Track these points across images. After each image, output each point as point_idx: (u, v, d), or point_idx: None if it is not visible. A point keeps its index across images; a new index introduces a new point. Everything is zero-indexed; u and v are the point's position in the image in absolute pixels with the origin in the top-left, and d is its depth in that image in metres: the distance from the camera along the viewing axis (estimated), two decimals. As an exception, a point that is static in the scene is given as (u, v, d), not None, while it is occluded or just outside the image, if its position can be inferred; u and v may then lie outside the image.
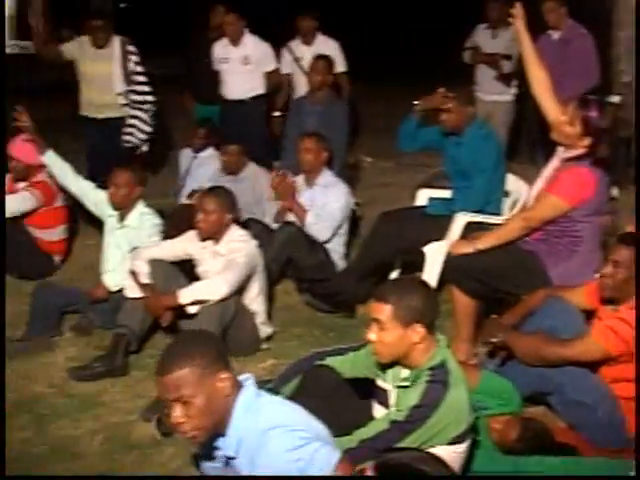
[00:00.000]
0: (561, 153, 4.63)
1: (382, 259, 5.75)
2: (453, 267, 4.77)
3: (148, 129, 7.28)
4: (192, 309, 4.66)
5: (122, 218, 5.43)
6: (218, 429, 2.80)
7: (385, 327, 3.23)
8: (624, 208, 5.61)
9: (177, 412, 2.71)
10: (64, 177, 5.84)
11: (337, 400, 3.45)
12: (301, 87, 7.86)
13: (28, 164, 6.07)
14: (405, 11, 20.03)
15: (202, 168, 7.10)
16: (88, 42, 7.33)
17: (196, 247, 5.03)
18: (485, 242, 4.67)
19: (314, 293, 5.76)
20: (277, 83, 8.17)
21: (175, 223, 5.76)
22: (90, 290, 5.34)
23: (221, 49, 7.95)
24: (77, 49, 7.40)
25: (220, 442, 2.85)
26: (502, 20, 7.23)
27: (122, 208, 5.40)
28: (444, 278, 5.10)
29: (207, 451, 2.96)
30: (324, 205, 5.81)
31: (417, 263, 5.56)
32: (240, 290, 4.81)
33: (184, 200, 6.95)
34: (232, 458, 2.83)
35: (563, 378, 3.86)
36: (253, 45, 7.91)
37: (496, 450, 3.69)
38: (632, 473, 3.36)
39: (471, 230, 5.23)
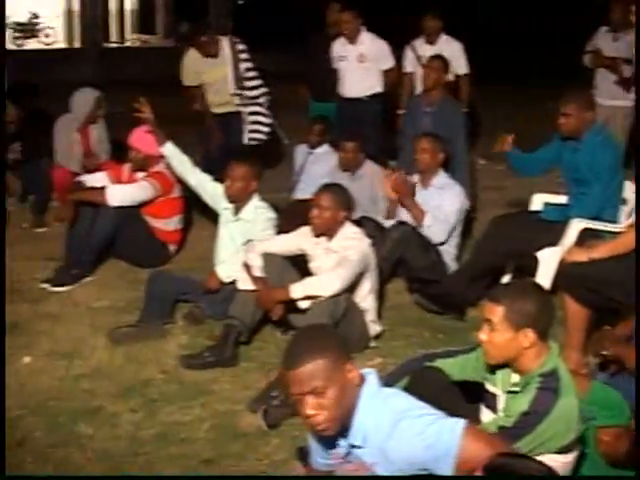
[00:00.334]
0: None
1: (494, 262, 5.68)
2: (566, 274, 4.67)
3: (270, 121, 7.41)
4: (303, 304, 4.69)
5: (237, 211, 5.50)
6: (344, 420, 2.82)
7: (496, 328, 3.20)
8: None
9: (310, 404, 2.73)
10: (182, 169, 5.95)
11: (445, 403, 3.41)
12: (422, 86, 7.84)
13: (147, 155, 6.20)
14: (527, 15, 19.82)
15: (317, 165, 7.14)
16: (199, 56, 7.46)
17: (309, 243, 5.06)
18: (600, 252, 4.55)
19: (424, 293, 5.73)
20: (394, 81, 8.15)
21: (289, 218, 5.81)
22: (203, 280, 5.42)
23: (339, 47, 8.00)
24: (196, 67, 7.53)
25: (340, 432, 2.86)
26: (624, 23, 7.05)
27: (238, 201, 5.47)
28: (556, 284, 5.00)
29: (325, 442, 2.98)
30: (438, 207, 5.77)
31: (529, 268, 5.48)
32: (351, 287, 4.81)
33: (298, 195, 7.02)
34: (358, 447, 2.85)
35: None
36: (369, 43, 7.93)
37: (603, 462, 3.60)
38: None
39: (586, 237, 5.13)
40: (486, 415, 3.48)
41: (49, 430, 4.21)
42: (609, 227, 5.24)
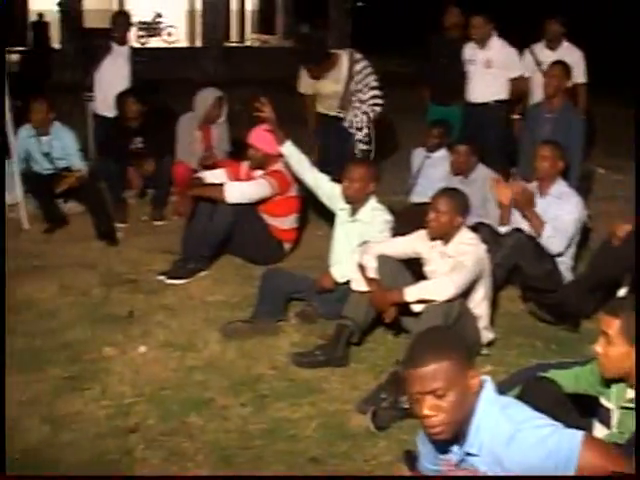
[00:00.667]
0: None
1: (611, 274, 5.53)
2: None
3: (372, 135, 7.43)
4: (416, 307, 4.67)
5: (354, 212, 5.51)
6: (459, 426, 2.80)
7: (612, 342, 3.12)
8: None
9: (429, 405, 2.72)
10: (300, 168, 5.99)
11: (557, 414, 3.34)
12: (539, 91, 7.71)
13: (266, 153, 6.26)
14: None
15: (434, 168, 7.11)
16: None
17: (425, 246, 5.03)
18: None
19: (539, 303, 5.64)
20: (521, 90, 8.04)
21: (405, 221, 5.78)
22: (317, 279, 5.44)
23: (469, 50, 7.95)
24: (310, 84, 7.61)
25: (454, 438, 2.85)
26: None
27: (355, 202, 5.48)
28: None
29: (438, 447, 2.97)
30: (557, 216, 5.66)
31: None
32: (465, 293, 4.76)
33: (415, 199, 6.99)
34: (473, 455, 2.83)
35: None
36: (498, 49, 7.84)
37: None
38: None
39: None
40: (599, 430, 3.40)
41: (161, 418, 4.29)
42: None
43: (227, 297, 5.85)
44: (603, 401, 3.39)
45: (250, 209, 6.21)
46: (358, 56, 7.47)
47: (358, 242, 5.33)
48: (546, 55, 7.93)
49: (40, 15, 20.13)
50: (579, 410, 3.62)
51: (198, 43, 22.67)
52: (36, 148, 7.44)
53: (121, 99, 7.86)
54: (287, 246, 6.49)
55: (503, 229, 5.88)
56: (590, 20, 19.26)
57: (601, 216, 7.03)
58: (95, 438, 4.11)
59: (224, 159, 7.54)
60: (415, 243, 5.07)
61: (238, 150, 7.39)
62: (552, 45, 8.03)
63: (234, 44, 24.94)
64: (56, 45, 19.65)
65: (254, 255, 6.39)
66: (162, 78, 9.76)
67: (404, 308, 4.77)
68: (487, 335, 5.05)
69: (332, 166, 6.45)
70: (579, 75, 7.85)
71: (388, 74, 7.73)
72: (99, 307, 5.70)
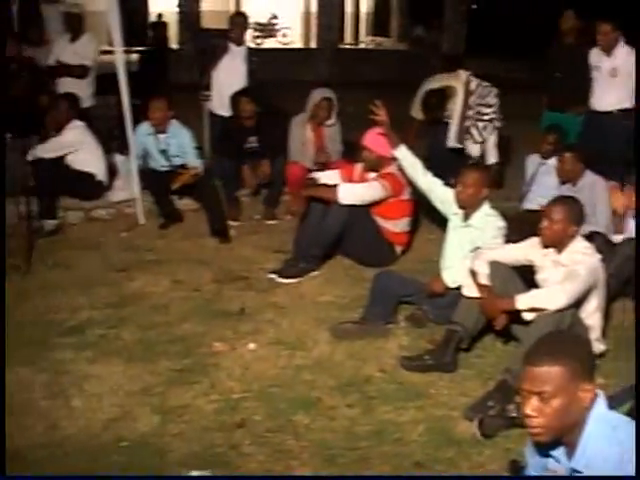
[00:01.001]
0: None
1: None
2: None
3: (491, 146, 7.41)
4: (528, 316, 4.60)
5: (466, 217, 5.46)
6: (563, 436, 2.75)
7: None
8: None
9: (532, 405, 2.69)
10: (413, 172, 5.96)
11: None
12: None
13: (380, 155, 6.26)
14: None
15: (548, 175, 6.97)
16: None
17: (537, 254, 4.95)
18: None
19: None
20: None
21: (518, 228, 5.70)
22: (428, 284, 5.41)
23: (594, 57, 7.76)
24: None
25: (559, 450, 2.80)
26: None
27: (468, 207, 5.43)
28: None
29: (545, 459, 2.92)
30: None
31: None
32: (578, 303, 4.66)
33: (528, 206, 6.89)
34: (578, 472, 2.77)
35: None
36: (624, 57, 7.62)
37: None
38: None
39: None
40: None
41: (268, 415, 4.33)
42: None
43: (337, 298, 5.88)
44: None
45: (363, 211, 6.22)
46: (473, 79, 7.46)
47: (470, 247, 5.28)
48: None
49: (159, 16, 20.51)
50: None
51: (313, 45, 22.80)
52: (154, 145, 7.61)
53: (236, 99, 7.96)
54: (399, 249, 6.48)
55: (617, 238, 5.75)
56: None
57: None
58: (202, 431, 4.18)
59: (338, 160, 7.59)
60: (528, 250, 4.98)
61: (352, 152, 7.41)
62: None
63: (348, 46, 24.97)
64: (174, 45, 20.02)
65: (365, 257, 6.40)
66: (276, 79, 9.85)
67: (515, 316, 4.70)
68: (598, 347, 4.93)
69: (443, 170, 6.41)
70: None
71: (501, 79, 7.63)
72: (211, 303, 5.81)
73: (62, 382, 4.66)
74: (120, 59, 7.49)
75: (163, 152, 7.60)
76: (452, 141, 7.71)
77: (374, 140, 6.27)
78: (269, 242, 7.09)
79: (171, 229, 7.53)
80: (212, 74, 8.59)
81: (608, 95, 7.66)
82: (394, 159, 6.14)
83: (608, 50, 7.62)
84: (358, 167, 6.52)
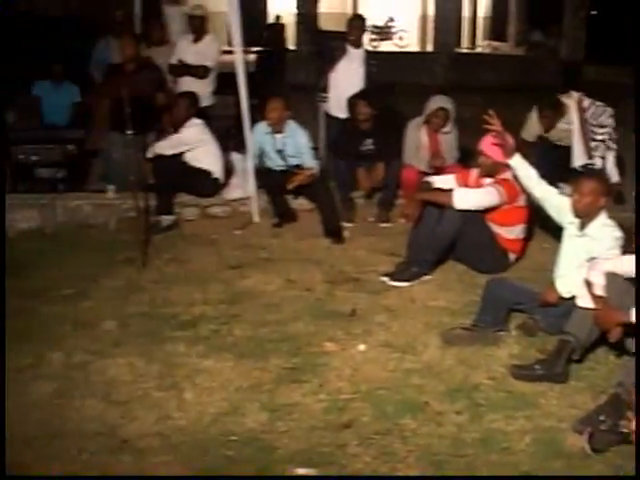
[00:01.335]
0: None
1: None
2: None
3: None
4: (643, 330, 4.50)
5: (582, 226, 5.35)
6: None
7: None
8: None
9: None
10: (528, 181, 5.86)
11: None
12: None
13: (496, 161, 6.19)
14: None
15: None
16: None
17: (656, 267, 4.83)
18: None
19: None
20: None
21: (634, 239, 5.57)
22: (541, 293, 5.31)
23: None
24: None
25: None
26: None
27: (584, 216, 5.32)
28: None
29: None
30: None
31: None
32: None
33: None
34: None
35: None
36: None
37: None
38: None
39: None
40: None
41: (375, 417, 4.34)
42: None
43: (449, 303, 5.85)
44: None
45: (477, 216, 6.16)
46: (585, 98, 7.33)
47: (586, 257, 5.17)
48: None
49: (277, 17, 20.76)
50: None
51: (429, 48, 22.72)
52: (270, 145, 7.70)
53: (353, 101, 7.99)
54: (512, 256, 6.40)
55: None
56: None
57: None
58: (310, 430, 4.22)
59: (453, 165, 7.55)
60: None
61: (468, 157, 7.37)
62: None
63: (465, 50, 24.80)
64: (291, 46, 20.23)
65: (478, 263, 6.35)
66: (393, 82, 9.84)
67: (629, 329, 4.60)
68: None
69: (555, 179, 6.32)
70: None
71: (621, 86, 7.45)
72: (322, 303, 5.86)
73: (174, 374, 4.78)
74: (239, 59, 7.61)
75: (279, 152, 7.69)
76: (578, 160, 7.54)
77: (491, 145, 6.21)
78: (382, 245, 7.09)
79: (285, 228, 7.62)
80: (330, 76, 8.64)
81: None
82: (509, 165, 6.07)
83: None
84: (474, 172, 6.46)
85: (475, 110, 6.88)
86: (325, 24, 20.36)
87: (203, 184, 7.92)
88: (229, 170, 8.21)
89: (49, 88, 9.96)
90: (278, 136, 7.67)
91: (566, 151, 7.55)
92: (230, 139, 8.75)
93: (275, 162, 7.77)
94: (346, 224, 7.57)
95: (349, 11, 25.08)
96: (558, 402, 4.56)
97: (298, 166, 7.62)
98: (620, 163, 7.78)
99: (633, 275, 4.86)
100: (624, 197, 7.78)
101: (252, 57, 14.90)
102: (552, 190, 5.75)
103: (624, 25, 24.10)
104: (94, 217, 7.79)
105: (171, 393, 4.57)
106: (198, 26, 8.93)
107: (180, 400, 4.49)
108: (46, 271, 6.44)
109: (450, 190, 6.20)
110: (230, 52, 7.89)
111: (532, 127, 7.73)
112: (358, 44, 8.68)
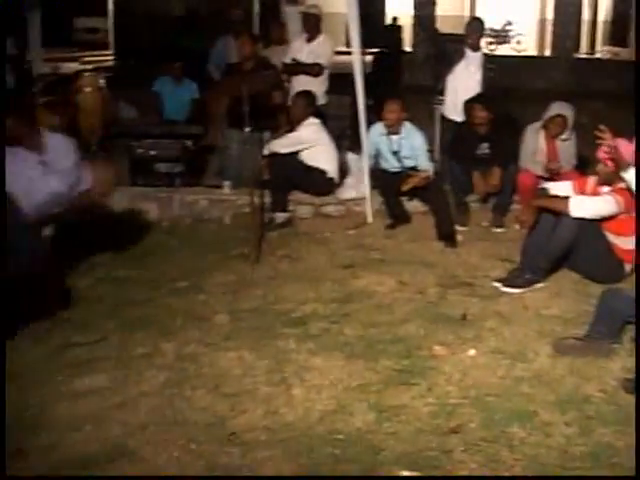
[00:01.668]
0: None
1: None
2: None
3: None
4: None
5: None
6: None
7: None
8: None
9: None
10: None
11: None
12: None
13: (614, 170, 6.07)
14: None
15: None
16: None
17: None
18: None
19: None
20: None
21: None
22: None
23: None
24: None
25: None
26: None
27: None
28: None
29: None
30: None
31: None
32: None
33: None
34: None
35: None
36: None
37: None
38: None
39: None
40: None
41: (483, 424, 4.29)
42: None
43: (562, 311, 5.74)
44: None
45: (594, 225, 6.04)
46: None
47: None
48: None
49: (394, 19, 20.74)
50: None
51: (547, 53, 22.38)
52: (386, 146, 7.71)
53: (470, 105, 7.95)
54: (628, 267, 6.24)
55: None
56: None
57: None
58: (417, 433, 4.19)
59: (571, 171, 7.43)
60: None
61: (585, 164, 7.23)
62: None
63: (584, 56, 24.34)
64: (408, 48, 20.20)
65: (593, 272, 6.22)
66: (510, 86, 9.75)
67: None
68: None
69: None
70: None
71: None
72: (434, 306, 5.84)
73: (284, 370, 4.82)
74: (357, 60, 7.64)
75: (395, 153, 7.70)
76: None
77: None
78: (496, 250, 7.04)
79: (398, 230, 7.63)
80: (447, 79, 8.61)
81: None
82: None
83: None
84: (591, 180, 6.34)
85: (594, 117, 6.77)
86: (442, 26, 20.25)
87: (318, 183, 7.98)
88: (344, 170, 8.26)
89: (169, 85, 10.18)
90: (394, 137, 7.67)
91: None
92: (345, 139, 8.81)
93: (390, 163, 7.78)
94: (460, 228, 7.55)
95: (466, 14, 24.91)
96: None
97: (413, 168, 7.61)
98: None
99: None
100: None
101: (369, 58, 14.92)
102: None
103: None
104: (209, 212, 7.94)
105: (280, 388, 4.61)
106: (312, 25, 9.00)
107: (288, 396, 4.53)
108: (162, 263, 6.60)
109: (567, 197, 6.10)
110: (348, 53, 7.93)
111: None
112: (476, 47, 8.63)
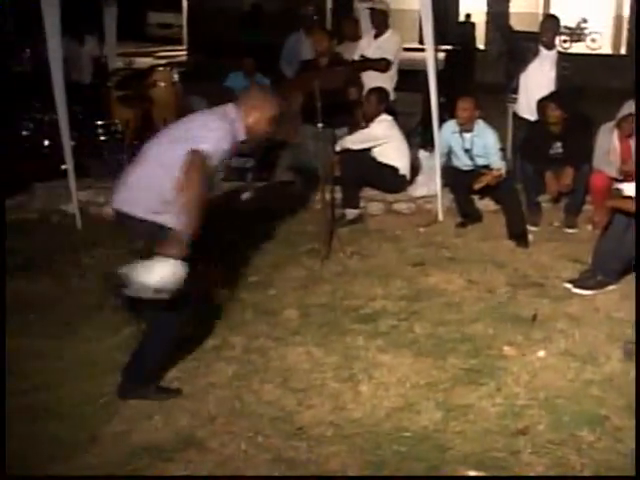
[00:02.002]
0: None
1: None
2: None
3: None
4: None
5: None
6: None
7: None
8: None
9: None
10: None
11: None
12: None
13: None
14: None
15: None
16: None
17: None
18: None
19: None
20: None
21: None
22: None
23: None
24: None
25: None
26: None
27: None
28: None
29: None
30: None
31: None
32: None
33: None
34: None
35: None
36: None
37: None
38: None
39: None
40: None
41: (551, 426, 4.25)
42: None
43: (633, 314, 5.61)
44: None
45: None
46: None
47: None
48: None
49: (467, 15, 20.64)
50: None
51: (623, 51, 22.02)
52: (459, 144, 7.67)
53: (543, 104, 7.86)
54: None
55: None
56: None
57: None
58: (484, 433, 4.18)
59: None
60: None
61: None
62: None
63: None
64: (481, 45, 20.07)
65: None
66: (584, 85, 9.61)
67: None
68: None
69: None
70: None
71: None
72: (503, 306, 5.81)
73: (352, 366, 4.84)
74: (431, 57, 7.61)
75: (467, 151, 7.65)
76: None
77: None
78: (567, 250, 6.97)
79: (469, 228, 7.60)
80: (520, 77, 8.53)
81: None
82: None
83: None
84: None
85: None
86: (515, 24, 20.06)
87: (390, 180, 7.97)
88: (415, 167, 8.24)
89: (241, 80, 10.23)
90: (466, 135, 7.62)
91: None
92: (416, 136, 8.78)
93: (462, 161, 7.74)
94: (531, 227, 7.49)
95: (540, 11, 24.62)
96: None
97: (485, 166, 7.55)
98: None
99: None
100: None
101: (441, 55, 14.88)
102: None
103: None
104: (280, 207, 7.98)
105: (347, 385, 4.63)
106: (380, 21, 8.97)
107: (356, 392, 4.55)
108: (233, 257, 6.65)
109: (640, 198, 6.01)
110: (420, 50, 7.90)
111: None
112: (551, 45, 8.52)
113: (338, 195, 7.57)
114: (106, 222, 7.58)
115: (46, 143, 8.44)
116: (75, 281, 6.21)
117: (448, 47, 15.88)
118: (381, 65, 8.73)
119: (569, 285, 6.10)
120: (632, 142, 7.50)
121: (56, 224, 7.72)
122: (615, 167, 7.45)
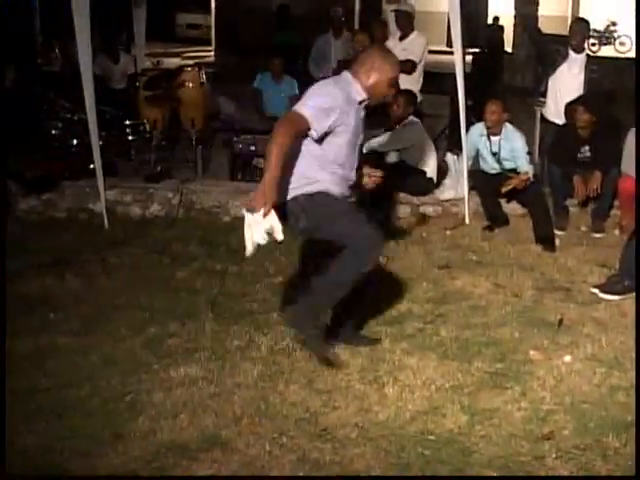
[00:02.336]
0: None
1: None
2: None
3: None
4: None
5: None
6: None
7: None
8: None
9: None
10: None
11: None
12: None
13: None
14: None
15: None
16: None
17: None
18: None
19: None
20: None
21: None
22: None
23: None
24: None
25: None
26: None
27: None
28: None
29: None
30: None
31: None
32: None
33: None
34: None
35: None
36: None
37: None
38: None
39: None
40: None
41: (577, 432, 4.22)
42: None
43: (661, 321, 5.63)
44: None
45: None
46: None
47: None
48: None
49: (496, 18, 20.54)
50: None
51: (652, 55, 21.84)
52: (486, 147, 7.65)
53: (571, 107, 7.84)
54: None
55: None
56: None
57: None
58: (509, 437, 4.15)
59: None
60: None
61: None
62: None
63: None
64: (509, 48, 19.97)
65: None
66: (613, 88, 9.57)
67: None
68: None
69: None
70: None
71: None
72: (530, 310, 5.78)
73: (377, 369, 4.83)
74: (459, 60, 7.60)
75: (494, 154, 7.63)
76: None
77: None
78: (594, 255, 6.95)
79: (496, 232, 7.59)
80: (549, 80, 8.50)
81: None
82: None
83: None
84: None
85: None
86: (544, 27, 19.93)
87: (417, 182, 7.97)
88: (442, 170, 8.22)
89: (269, 81, 10.25)
90: (494, 138, 7.61)
91: None
92: (443, 139, 8.76)
93: (489, 165, 7.72)
94: (558, 232, 7.46)
95: (569, 14, 24.50)
96: None
97: (513, 170, 7.53)
98: None
99: None
100: None
101: (469, 58, 14.86)
102: None
103: None
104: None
105: (373, 387, 4.62)
106: (405, 23, 8.99)
107: (381, 394, 4.54)
108: (259, 258, 6.64)
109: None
110: (448, 52, 7.88)
111: None
112: (580, 49, 8.48)
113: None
114: (133, 221, 7.68)
115: (75, 142, 8.49)
116: (101, 279, 6.26)
117: (476, 50, 15.85)
118: (406, 67, 8.71)
119: (596, 290, 6.06)
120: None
121: (84, 223, 7.78)
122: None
